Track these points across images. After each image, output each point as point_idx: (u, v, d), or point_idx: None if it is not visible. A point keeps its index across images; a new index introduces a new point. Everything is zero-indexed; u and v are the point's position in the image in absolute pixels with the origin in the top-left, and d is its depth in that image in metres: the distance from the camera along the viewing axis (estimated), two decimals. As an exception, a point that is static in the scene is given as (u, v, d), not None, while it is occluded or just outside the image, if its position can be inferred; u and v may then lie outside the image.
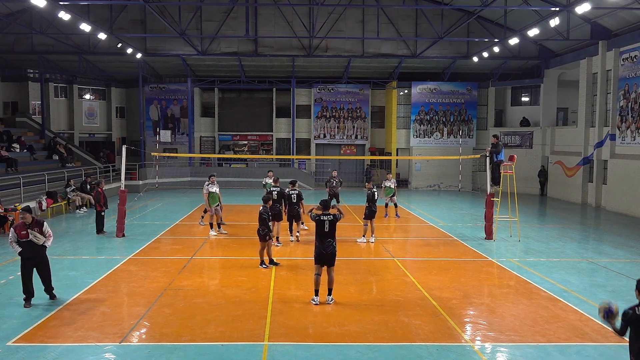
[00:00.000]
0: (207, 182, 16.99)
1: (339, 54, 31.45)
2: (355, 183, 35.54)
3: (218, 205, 16.89)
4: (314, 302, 9.92)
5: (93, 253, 14.42)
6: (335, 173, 21.48)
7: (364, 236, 16.01)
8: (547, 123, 31.13)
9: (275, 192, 15.24)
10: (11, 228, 10.03)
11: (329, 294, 10.02)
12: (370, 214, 15.73)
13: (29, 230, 9.82)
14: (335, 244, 9.96)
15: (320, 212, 10.07)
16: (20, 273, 9.99)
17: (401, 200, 27.46)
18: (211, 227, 16.92)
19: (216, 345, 8.02)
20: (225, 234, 16.97)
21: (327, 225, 9.86)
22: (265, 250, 12.79)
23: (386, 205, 20.93)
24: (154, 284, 11.20)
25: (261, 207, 12.67)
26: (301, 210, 15.75)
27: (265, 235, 12.51)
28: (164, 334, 8.45)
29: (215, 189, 16.76)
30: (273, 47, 31.23)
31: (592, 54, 26.12)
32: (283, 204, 15.57)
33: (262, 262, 12.77)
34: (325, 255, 9.85)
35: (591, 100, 26.65)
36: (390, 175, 21.03)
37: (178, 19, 27.78)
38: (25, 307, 9.65)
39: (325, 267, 9.98)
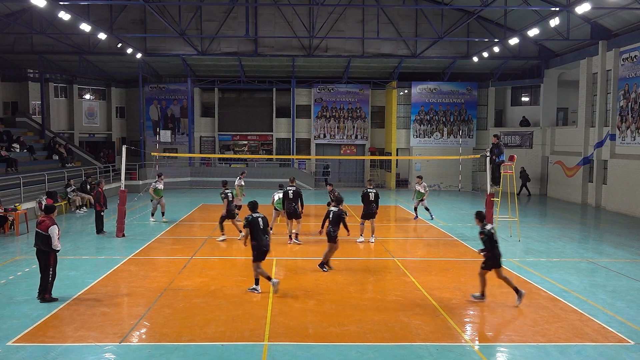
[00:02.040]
0: (155, 180, 19.55)
1: (339, 54, 31.46)
2: (355, 183, 35.58)
3: (162, 197, 19.58)
4: (256, 292, 10.53)
5: (93, 253, 14.42)
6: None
7: (361, 235, 16.00)
8: (547, 123, 31.13)
9: (291, 192, 15.30)
10: (54, 226, 9.96)
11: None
12: (366, 214, 15.72)
13: None
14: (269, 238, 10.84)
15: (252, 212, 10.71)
16: (52, 271, 10.05)
17: (401, 201, 27.48)
18: (152, 215, 19.71)
19: (216, 345, 8.02)
20: (166, 221, 19.22)
21: (261, 223, 10.51)
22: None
23: (415, 208, 20.84)
24: (154, 284, 11.20)
25: (337, 208, 12.42)
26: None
27: (335, 237, 12.27)
28: (164, 334, 8.45)
29: (160, 186, 19.36)
30: (273, 47, 31.24)
31: (592, 54, 26.12)
32: (300, 203, 15.57)
33: (323, 264, 12.40)
34: (266, 251, 10.59)
35: (591, 100, 26.66)
36: (421, 179, 20.63)
37: (178, 19, 27.79)
38: (52, 301, 9.92)
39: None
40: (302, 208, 15.65)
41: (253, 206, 10.80)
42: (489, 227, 10.13)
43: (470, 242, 16.32)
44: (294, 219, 15.44)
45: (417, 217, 20.68)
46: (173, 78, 36.96)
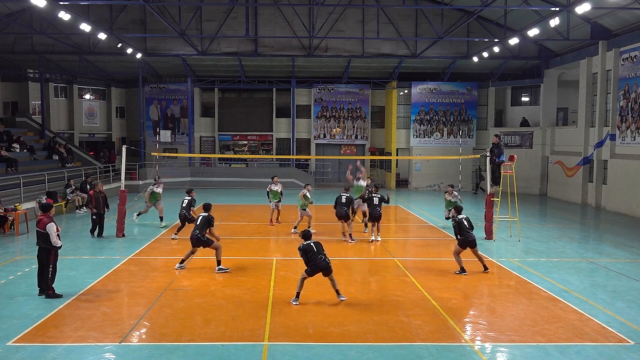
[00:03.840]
0: (154, 184, 18.94)
1: (339, 54, 31.46)
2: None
3: (158, 201, 18.81)
4: (179, 267, 12.42)
5: (93, 253, 14.42)
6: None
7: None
8: (547, 123, 31.12)
9: (345, 197, 16.09)
10: (51, 223, 10.10)
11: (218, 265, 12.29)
12: (372, 217, 15.85)
13: None
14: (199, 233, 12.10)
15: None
16: (52, 267, 10.22)
17: (401, 200, 27.47)
18: (137, 215, 18.97)
19: (216, 345, 8.02)
20: (164, 226, 18.46)
21: (199, 220, 12.19)
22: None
23: (447, 218, 18.57)
24: (154, 284, 11.20)
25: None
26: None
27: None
28: (164, 334, 8.45)
29: (159, 190, 18.78)
30: (273, 47, 31.24)
31: (592, 54, 26.11)
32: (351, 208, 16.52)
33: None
34: (192, 241, 12.23)
35: (591, 100, 26.65)
36: (451, 189, 18.57)
37: (178, 19, 27.79)
38: (57, 297, 10.10)
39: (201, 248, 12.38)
40: (352, 212, 16.63)
41: (206, 208, 12.78)
42: (305, 244, 10.19)
43: (470, 242, 16.30)
44: (343, 221, 16.14)
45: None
46: (173, 78, 36.96)
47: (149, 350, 7.82)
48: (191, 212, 16.23)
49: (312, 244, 10.22)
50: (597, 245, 16.44)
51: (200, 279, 11.69)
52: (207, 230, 12.22)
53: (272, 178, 19.22)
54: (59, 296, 10.12)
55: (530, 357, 7.76)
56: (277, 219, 19.24)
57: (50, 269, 10.19)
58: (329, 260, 10.17)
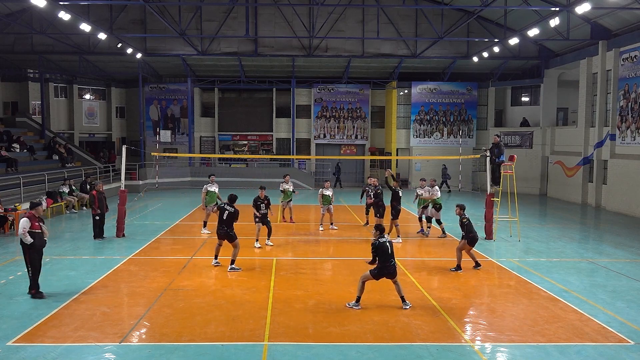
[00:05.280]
0: (207, 182, 17.44)
1: (339, 54, 31.46)
2: (355, 183, 35.56)
3: (215, 204, 16.70)
4: (214, 263, 12.75)
5: (93, 253, 14.42)
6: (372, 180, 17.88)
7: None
8: (547, 123, 31.13)
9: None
10: (24, 218, 10.05)
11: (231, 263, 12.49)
12: (396, 214, 16.15)
13: (40, 224, 10.18)
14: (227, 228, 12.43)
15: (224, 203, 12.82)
16: (31, 267, 10.13)
17: (402, 201, 27.40)
18: (204, 226, 17.30)
19: (216, 345, 8.02)
20: (209, 233, 16.76)
21: (225, 215, 12.44)
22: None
23: (420, 219, 17.44)
24: (154, 284, 11.19)
25: None
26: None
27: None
28: (164, 334, 8.45)
29: (214, 188, 17.12)
30: (273, 47, 31.25)
31: (592, 54, 26.11)
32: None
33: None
34: (218, 235, 12.58)
35: (591, 100, 26.65)
36: (424, 182, 17.12)
37: (178, 19, 27.80)
38: (42, 297, 9.99)
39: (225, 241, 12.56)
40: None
41: (231, 199, 12.87)
42: (381, 242, 9.74)
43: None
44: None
45: (421, 230, 17.36)
46: (173, 78, 36.96)
47: (149, 350, 7.82)
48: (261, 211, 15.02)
49: (387, 243, 9.72)
50: (597, 245, 16.43)
51: (200, 279, 11.69)
52: (233, 225, 12.48)
53: (284, 177, 18.73)
54: (42, 296, 10.01)
55: (530, 357, 7.75)
56: (291, 218, 19.33)
57: (29, 269, 10.07)
58: (396, 264, 9.89)
